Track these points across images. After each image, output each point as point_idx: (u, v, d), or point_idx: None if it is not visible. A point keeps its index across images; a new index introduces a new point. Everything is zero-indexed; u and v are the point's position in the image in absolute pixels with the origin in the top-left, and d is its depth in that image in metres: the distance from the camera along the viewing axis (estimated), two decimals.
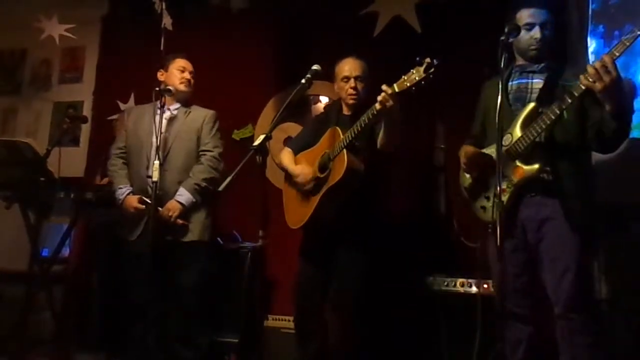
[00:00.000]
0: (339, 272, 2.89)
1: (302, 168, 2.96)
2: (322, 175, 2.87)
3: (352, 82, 2.95)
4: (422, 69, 2.49)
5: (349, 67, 2.98)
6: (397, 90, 2.56)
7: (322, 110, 3.97)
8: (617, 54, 2.14)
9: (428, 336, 3.15)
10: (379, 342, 3.32)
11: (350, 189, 2.78)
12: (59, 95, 4.96)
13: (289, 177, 3.05)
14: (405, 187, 3.76)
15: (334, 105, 3.15)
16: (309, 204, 2.90)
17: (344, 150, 2.73)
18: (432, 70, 2.47)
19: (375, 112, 2.63)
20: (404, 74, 2.55)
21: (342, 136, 2.77)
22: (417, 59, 2.50)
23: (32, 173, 3.41)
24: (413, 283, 3.34)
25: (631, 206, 2.99)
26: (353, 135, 2.73)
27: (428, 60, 2.47)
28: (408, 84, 2.52)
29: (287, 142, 3.44)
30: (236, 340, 3.48)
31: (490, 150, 2.46)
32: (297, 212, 2.99)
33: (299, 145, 3.10)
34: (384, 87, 2.56)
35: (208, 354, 3.24)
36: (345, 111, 3.02)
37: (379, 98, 2.58)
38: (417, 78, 2.49)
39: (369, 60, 3.05)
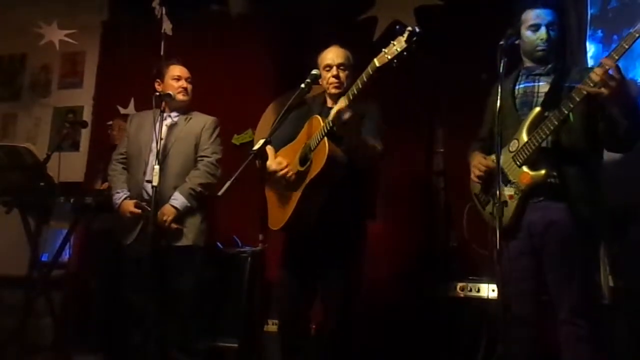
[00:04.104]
0: (326, 280, 2.71)
1: (275, 160, 2.72)
2: (302, 169, 2.64)
3: (334, 70, 2.76)
4: (403, 39, 2.27)
5: (331, 55, 2.80)
6: (377, 64, 2.35)
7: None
8: (617, 57, 2.12)
9: (429, 340, 3.14)
10: (381, 346, 3.33)
11: (334, 181, 2.57)
12: (58, 101, 4.98)
13: (267, 176, 2.82)
14: (404, 191, 3.77)
15: (317, 98, 2.91)
16: (291, 202, 2.67)
17: (325, 139, 2.51)
18: (415, 39, 2.24)
19: (355, 93, 2.44)
20: (384, 47, 2.33)
21: (322, 124, 2.55)
22: (397, 27, 2.30)
23: (32, 178, 3.41)
24: (412, 287, 3.35)
25: (631, 208, 2.99)
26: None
27: (410, 28, 2.25)
28: (389, 57, 2.31)
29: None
30: (236, 345, 3.48)
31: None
32: (278, 212, 2.76)
33: (279, 142, 2.81)
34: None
35: (207, 359, 3.23)
36: (329, 103, 2.82)
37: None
38: (398, 49, 2.28)
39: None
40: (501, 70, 2.24)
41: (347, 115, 2.41)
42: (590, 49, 3.38)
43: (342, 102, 2.45)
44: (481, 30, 3.50)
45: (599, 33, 3.40)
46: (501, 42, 2.32)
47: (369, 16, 4.07)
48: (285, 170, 2.67)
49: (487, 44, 2.47)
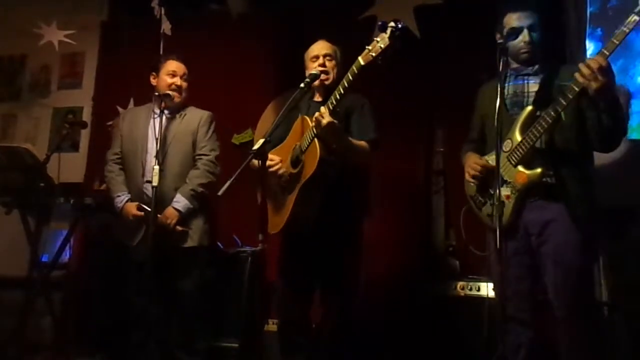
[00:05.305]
0: (325, 280, 2.73)
1: (273, 157, 2.70)
2: (295, 171, 2.63)
3: (320, 60, 2.76)
4: (386, 35, 2.26)
5: (317, 46, 2.82)
6: (362, 63, 2.35)
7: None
8: (608, 53, 2.15)
9: (429, 339, 3.14)
10: (381, 346, 3.33)
11: (328, 182, 2.56)
12: (58, 101, 4.97)
13: (263, 177, 2.78)
14: (404, 190, 3.77)
15: (306, 93, 2.82)
16: (287, 205, 2.66)
17: (316, 140, 2.50)
18: (398, 34, 2.23)
19: (342, 92, 2.44)
20: (368, 45, 2.32)
21: (311, 124, 2.52)
22: (380, 23, 2.28)
23: (32, 179, 3.41)
24: (412, 286, 3.35)
25: (630, 209, 3.00)
26: None
27: (392, 24, 2.24)
28: (374, 54, 2.30)
29: None
30: (236, 345, 3.47)
31: (492, 157, 2.44)
32: (276, 216, 2.76)
33: (273, 141, 2.72)
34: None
35: (208, 359, 3.23)
36: (317, 97, 2.82)
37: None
38: (382, 46, 2.27)
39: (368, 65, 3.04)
40: (500, 69, 2.25)
41: (325, 122, 2.42)
42: (590, 47, 3.38)
43: (325, 108, 2.45)
44: (481, 30, 3.50)
45: (599, 31, 3.39)
46: (500, 42, 2.34)
47: (369, 15, 4.07)
48: (278, 166, 2.67)
49: (487, 44, 2.48)
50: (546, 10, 2.53)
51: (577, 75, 2.18)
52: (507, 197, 2.36)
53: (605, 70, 2.14)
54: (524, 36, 2.42)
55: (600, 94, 2.18)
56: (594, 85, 2.15)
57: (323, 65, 2.76)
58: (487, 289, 3.00)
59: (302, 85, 2.65)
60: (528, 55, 2.45)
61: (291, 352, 2.81)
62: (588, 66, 2.14)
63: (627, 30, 2.11)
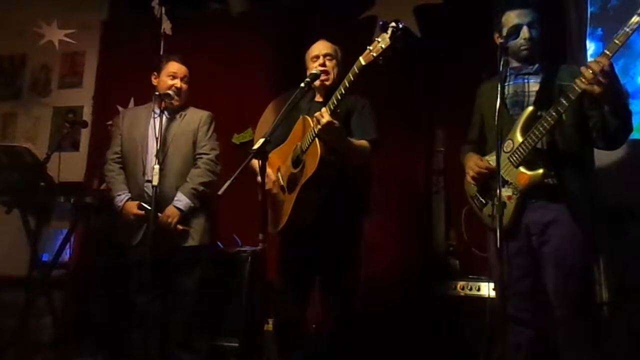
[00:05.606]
0: (325, 280, 2.73)
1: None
2: (296, 171, 2.62)
3: (321, 60, 2.77)
4: (387, 35, 2.27)
5: (318, 46, 2.83)
6: (363, 63, 2.35)
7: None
8: (610, 54, 2.14)
9: (430, 339, 3.14)
10: (381, 345, 3.33)
11: (328, 183, 2.56)
12: (58, 100, 4.97)
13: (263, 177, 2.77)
14: (404, 190, 3.77)
15: (307, 94, 2.83)
16: (287, 204, 2.65)
17: (316, 140, 2.49)
18: (399, 34, 2.24)
19: (343, 92, 2.44)
20: (369, 45, 2.33)
21: (312, 124, 2.52)
22: (380, 23, 2.31)
23: (32, 178, 3.42)
24: (412, 285, 3.35)
25: (631, 209, 3.00)
26: None
27: (393, 24, 2.25)
28: (375, 54, 2.31)
29: None
30: (236, 344, 3.47)
31: (493, 158, 2.44)
32: (276, 215, 2.75)
33: (273, 141, 2.69)
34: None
35: (208, 358, 3.23)
36: (318, 98, 2.83)
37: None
38: (383, 46, 2.28)
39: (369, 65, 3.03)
40: (501, 69, 2.25)
41: (324, 121, 2.42)
42: (590, 47, 3.38)
43: (326, 109, 2.45)
44: (481, 30, 3.50)
45: (599, 31, 3.39)
46: (501, 41, 2.34)
47: (369, 15, 4.07)
48: (272, 184, 2.68)
49: (487, 44, 2.47)
50: (546, 10, 2.52)
51: (578, 81, 2.17)
52: (509, 197, 2.36)
53: (608, 73, 2.13)
54: (524, 33, 2.42)
55: (603, 98, 2.18)
56: (596, 89, 2.14)
57: (323, 65, 2.77)
58: (487, 289, 3.00)
59: (302, 84, 2.64)
60: (528, 53, 2.45)
61: (289, 352, 2.81)
62: (590, 68, 2.13)
63: (630, 32, 2.10)
